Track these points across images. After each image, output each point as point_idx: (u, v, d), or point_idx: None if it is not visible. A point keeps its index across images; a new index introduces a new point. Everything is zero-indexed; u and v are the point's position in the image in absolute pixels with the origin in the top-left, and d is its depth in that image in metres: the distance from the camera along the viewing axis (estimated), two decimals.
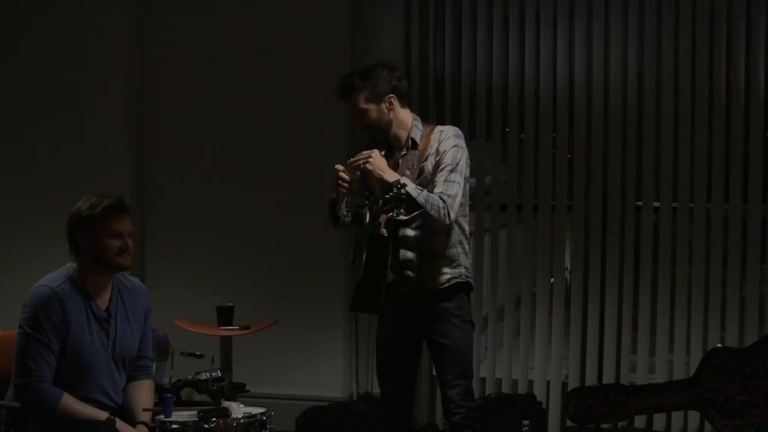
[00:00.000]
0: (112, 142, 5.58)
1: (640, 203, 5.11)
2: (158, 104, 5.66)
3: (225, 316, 4.55)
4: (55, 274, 3.51)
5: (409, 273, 3.82)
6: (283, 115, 5.48)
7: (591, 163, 5.14)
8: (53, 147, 5.63)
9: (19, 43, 5.67)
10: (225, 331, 4.52)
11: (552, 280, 5.27)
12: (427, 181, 3.79)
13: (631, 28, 5.07)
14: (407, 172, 3.79)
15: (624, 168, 5.12)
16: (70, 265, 3.53)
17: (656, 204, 5.08)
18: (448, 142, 3.82)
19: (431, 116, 5.39)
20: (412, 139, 3.86)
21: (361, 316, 5.40)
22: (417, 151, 3.83)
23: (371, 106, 3.84)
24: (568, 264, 5.56)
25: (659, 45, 5.04)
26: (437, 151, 3.81)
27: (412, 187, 3.67)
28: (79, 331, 3.44)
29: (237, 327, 4.51)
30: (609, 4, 5.08)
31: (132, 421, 3.52)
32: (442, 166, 3.78)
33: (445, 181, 3.76)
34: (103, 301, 3.54)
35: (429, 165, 3.81)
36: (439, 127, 3.91)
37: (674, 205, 5.05)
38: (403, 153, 3.87)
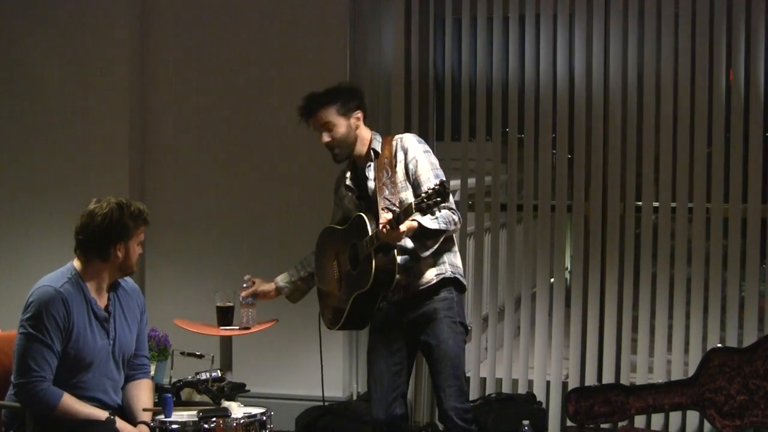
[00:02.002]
0: (113, 143, 5.57)
1: (640, 203, 5.11)
2: (158, 105, 5.65)
3: (225, 316, 4.55)
4: (57, 274, 3.52)
5: (397, 276, 3.81)
6: (283, 115, 5.47)
7: (591, 163, 5.14)
8: (54, 148, 5.63)
9: (21, 45, 5.66)
10: (225, 331, 4.52)
11: (552, 280, 5.27)
12: (399, 188, 3.81)
13: (631, 28, 5.07)
14: (386, 180, 3.81)
15: (624, 168, 5.12)
16: (70, 265, 3.54)
17: (656, 204, 5.09)
18: (415, 148, 3.87)
19: (431, 116, 5.40)
20: (374, 150, 3.90)
21: None
22: (385, 158, 3.86)
23: (341, 121, 3.89)
24: (568, 264, 5.56)
25: (659, 45, 5.04)
26: (405, 158, 3.86)
27: (427, 221, 3.68)
28: (81, 331, 3.45)
29: (237, 327, 4.51)
30: (609, 4, 5.08)
31: (132, 421, 3.53)
32: (425, 174, 3.81)
33: None
34: (102, 301, 3.55)
35: (399, 171, 3.85)
36: (397, 136, 3.97)
37: (673, 205, 5.05)
38: (369, 164, 3.90)
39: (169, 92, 5.64)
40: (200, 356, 4.12)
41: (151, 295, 5.63)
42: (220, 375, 3.82)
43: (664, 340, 5.08)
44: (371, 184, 3.89)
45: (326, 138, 3.91)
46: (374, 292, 3.77)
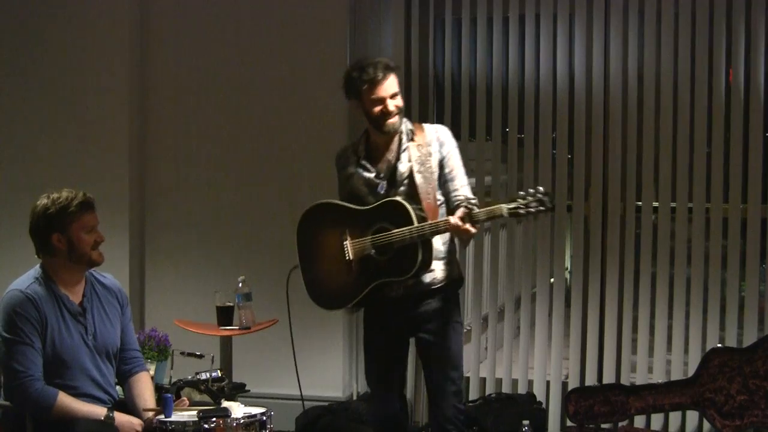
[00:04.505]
0: (113, 143, 5.58)
1: (640, 203, 5.11)
2: (159, 104, 5.66)
3: (225, 316, 4.56)
4: (24, 278, 3.54)
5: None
6: (283, 115, 5.48)
7: (591, 163, 5.15)
8: (54, 148, 5.63)
9: (22, 44, 5.66)
10: (225, 331, 4.52)
11: (552, 280, 5.27)
12: (432, 179, 3.74)
13: (631, 28, 5.07)
14: (422, 168, 3.73)
15: (624, 168, 5.13)
16: (38, 266, 3.57)
17: (656, 204, 5.09)
18: (452, 143, 3.82)
19: (431, 116, 5.39)
20: (411, 131, 3.82)
21: (361, 319, 5.41)
22: (419, 144, 3.78)
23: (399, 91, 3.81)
24: (568, 264, 5.57)
25: (659, 45, 5.04)
26: (441, 149, 3.79)
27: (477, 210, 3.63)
28: (56, 329, 3.46)
29: (237, 327, 4.52)
30: (609, 4, 5.08)
31: (136, 416, 3.54)
32: (456, 169, 3.78)
33: (467, 185, 3.80)
34: (76, 297, 3.56)
35: (433, 161, 3.77)
36: (428, 124, 3.90)
37: (673, 205, 5.06)
38: (404, 147, 3.79)
39: (169, 92, 5.64)
40: (200, 356, 4.13)
41: (151, 295, 5.63)
42: (220, 375, 3.82)
43: (664, 340, 5.09)
44: (403, 167, 3.78)
45: (399, 102, 3.78)
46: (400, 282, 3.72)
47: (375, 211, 3.75)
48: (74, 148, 5.60)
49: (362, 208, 3.79)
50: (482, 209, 3.59)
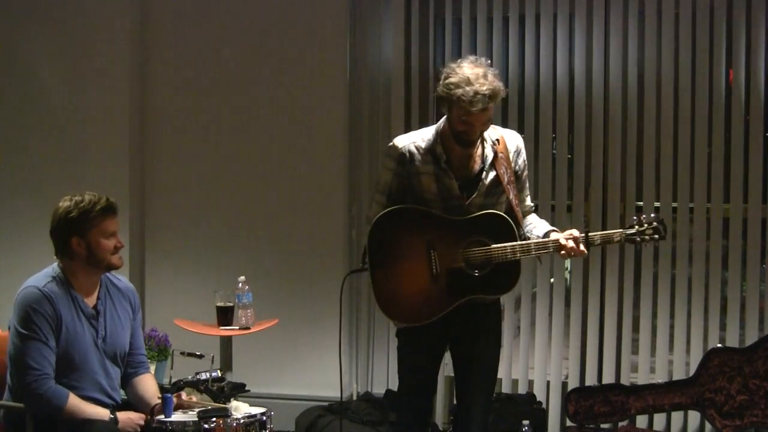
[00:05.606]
0: (113, 143, 5.57)
1: (641, 203, 5.11)
2: (159, 104, 5.65)
3: (225, 316, 4.56)
4: (41, 275, 3.53)
5: None
6: (283, 115, 5.48)
7: (591, 163, 5.14)
8: (54, 148, 5.62)
9: (21, 45, 5.66)
10: (225, 331, 4.52)
11: (552, 280, 5.27)
12: (515, 189, 3.63)
13: (631, 28, 5.07)
14: (507, 178, 3.59)
15: (624, 168, 5.12)
16: (55, 265, 3.55)
17: (657, 204, 5.09)
18: (524, 151, 3.71)
19: (431, 116, 5.39)
20: (496, 140, 3.61)
21: (362, 319, 5.42)
22: (501, 152, 3.61)
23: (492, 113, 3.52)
24: (568, 264, 5.57)
25: (659, 45, 5.04)
26: (517, 158, 3.67)
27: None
28: (70, 329, 3.45)
29: (237, 327, 4.51)
30: (609, 4, 5.08)
31: (141, 411, 3.55)
32: (527, 178, 3.73)
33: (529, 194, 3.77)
34: (91, 299, 3.56)
35: (513, 170, 3.65)
36: (507, 132, 3.71)
37: (674, 205, 5.06)
38: (490, 155, 3.57)
39: (169, 92, 5.63)
40: (200, 356, 4.13)
41: (151, 295, 5.63)
42: (220, 375, 3.82)
43: (664, 340, 5.08)
44: (489, 179, 3.57)
45: (482, 129, 3.51)
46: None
47: (471, 222, 3.53)
48: (74, 148, 5.60)
49: (455, 218, 3.54)
50: (599, 233, 3.55)
